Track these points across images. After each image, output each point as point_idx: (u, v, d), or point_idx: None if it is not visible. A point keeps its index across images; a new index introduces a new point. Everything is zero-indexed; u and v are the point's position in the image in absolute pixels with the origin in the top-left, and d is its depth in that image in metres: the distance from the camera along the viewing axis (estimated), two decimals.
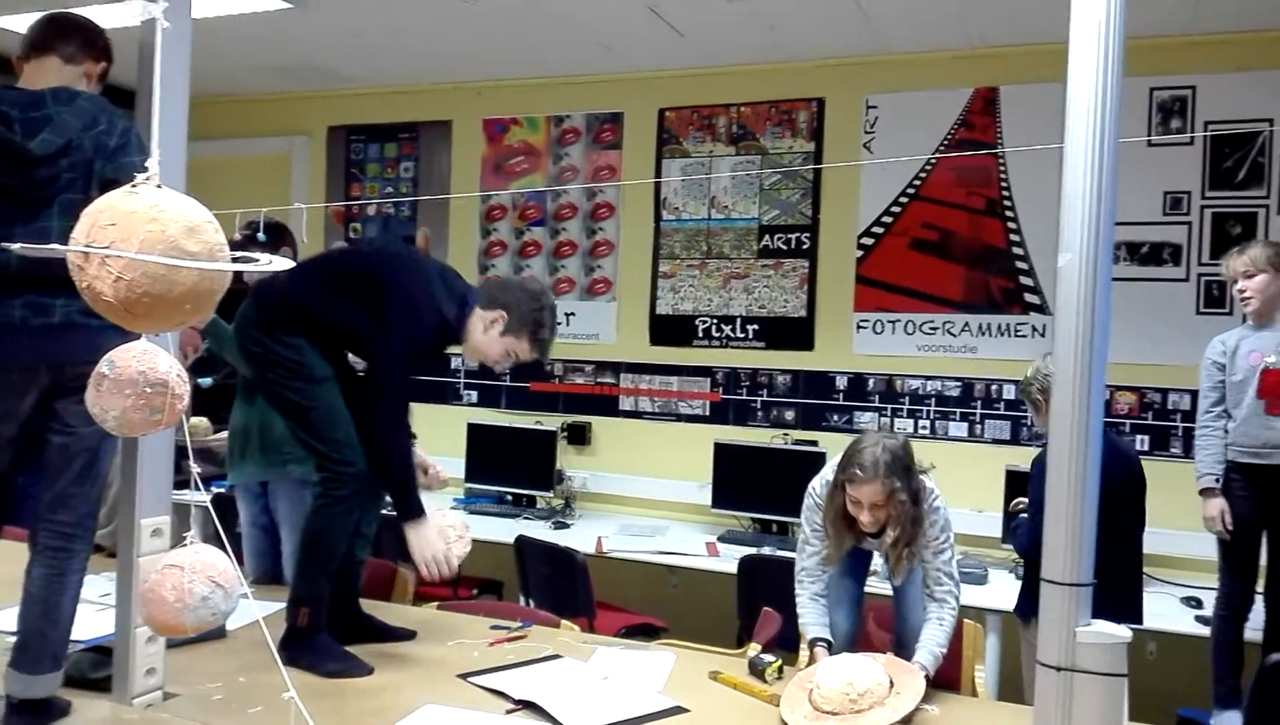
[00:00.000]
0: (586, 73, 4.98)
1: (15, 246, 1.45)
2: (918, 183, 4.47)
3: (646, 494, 4.88)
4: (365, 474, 2.54)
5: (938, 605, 2.58)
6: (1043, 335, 4.22)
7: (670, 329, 4.90)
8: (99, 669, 2.21)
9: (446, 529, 2.65)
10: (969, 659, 2.79)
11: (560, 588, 3.89)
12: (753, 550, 4.03)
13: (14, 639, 2.00)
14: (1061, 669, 1.48)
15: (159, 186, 1.07)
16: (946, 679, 2.69)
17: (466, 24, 4.31)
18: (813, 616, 2.69)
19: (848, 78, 4.57)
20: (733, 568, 3.86)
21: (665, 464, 4.86)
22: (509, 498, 4.90)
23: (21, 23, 4.21)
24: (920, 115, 4.45)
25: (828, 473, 2.74)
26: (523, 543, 4.05)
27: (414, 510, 2.54)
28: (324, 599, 2.54)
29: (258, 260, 1.30)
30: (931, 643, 2.52)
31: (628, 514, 4.82)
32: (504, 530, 4.38)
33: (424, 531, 2.53)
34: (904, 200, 4.49)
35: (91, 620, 2.53)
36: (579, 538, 4.22)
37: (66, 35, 2.05)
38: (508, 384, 5.16)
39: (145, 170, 2.12)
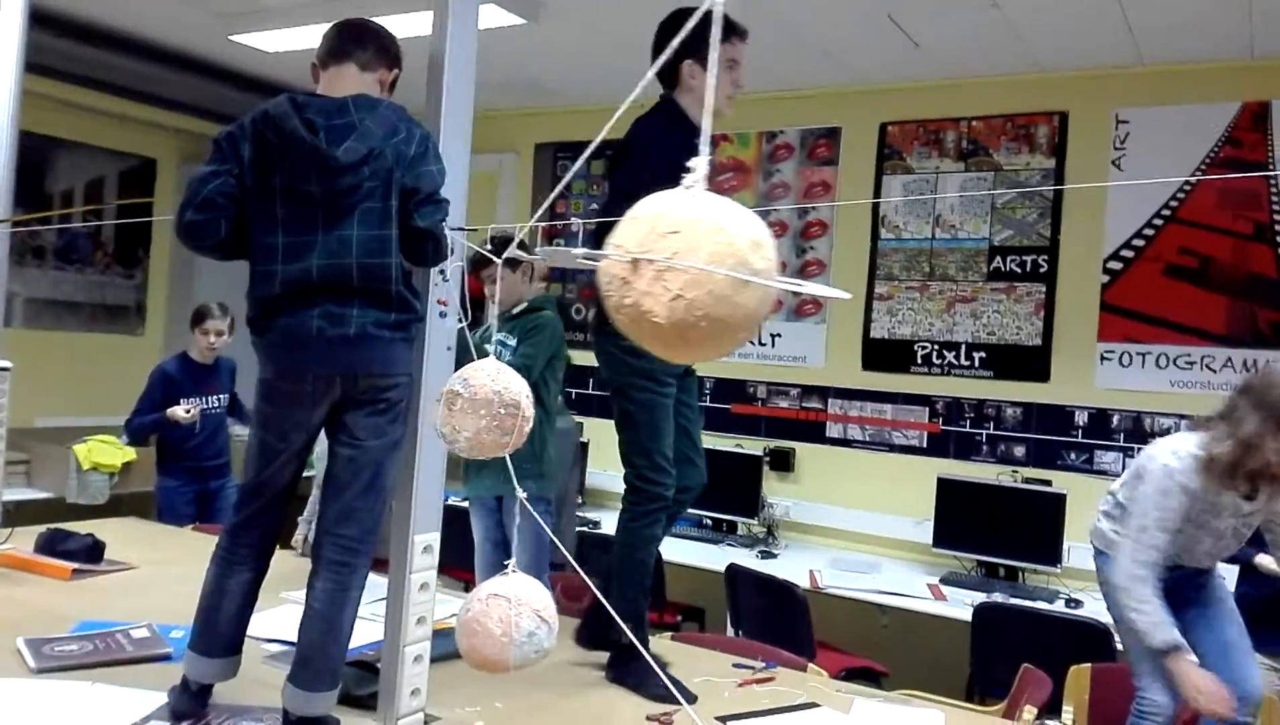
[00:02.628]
0: (802, 86, 4.81)
1: (577, 252, 1.29)
2: (1174, 204, 4.09)
3: (854, 526, 4.64)
4: (671, 497, 2.51)
5: None
6: None
7: (885, 354, 4.65)
8: (363, 685, 2.15)
9: None
10: None
11: (775, 622, 3.69)
12: (981, 596, 3.76)
13: (292, 651, 1.95)
14: None
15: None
16: None
17: None
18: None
19: (1096, 90, 4.23)
20: (961, 613, 3.60)
21: (876, 496, 4.61)
22: (708, 522, 4.74)
23: (279, 40, 4.35)
24: (1177, 131, 4.08)
25: (1188, 446, 2.62)
26: (735, 572, 3.88)
27: None
28: (643, 615, 2.49)
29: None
30: None
31: (834, 546, 4.59)
32: (706, 556, 4.24)
33: None
34: (1158, 222, 4.12)
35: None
36: (788, 569, 4.02)
37: (362, 42, 2.02)
38: (707, 405, 5.01)
39: (442, 179, 2.10)
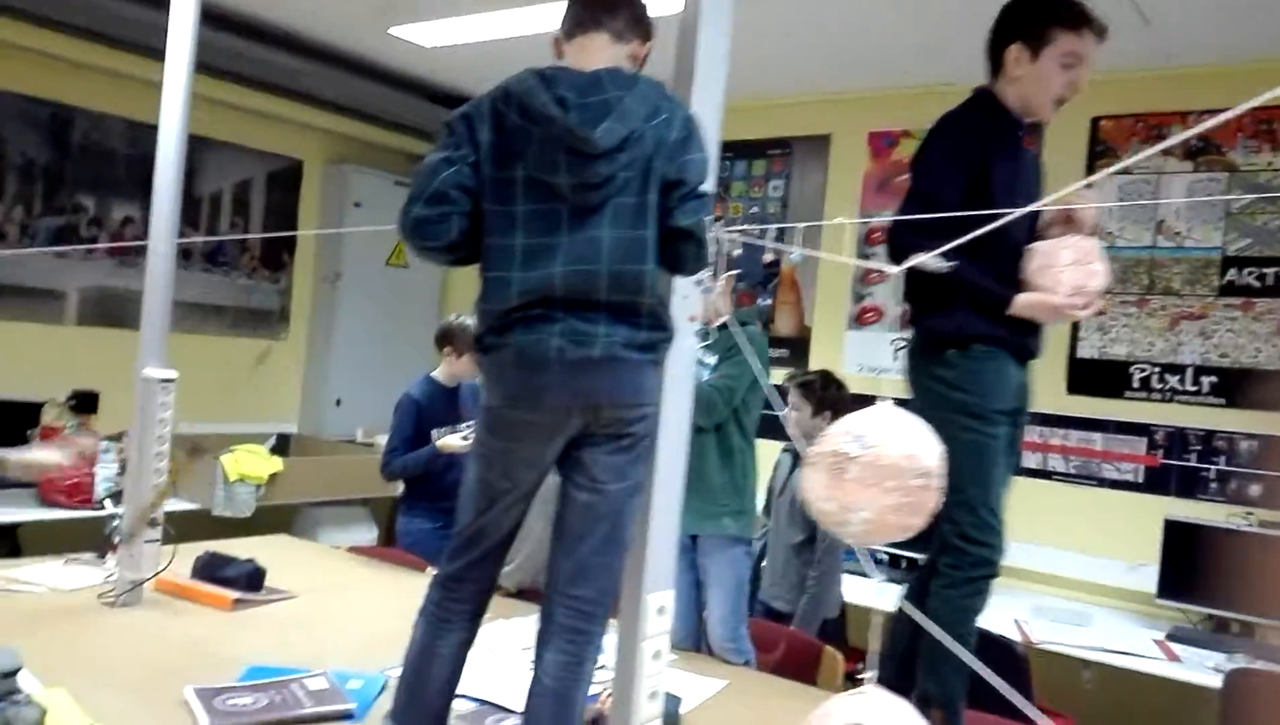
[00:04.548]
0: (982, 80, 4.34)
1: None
2: None
3: (1056, 569, 4.14)
4: (1000, 562, 2.15)
5: None
6: None
7: (1095, 376, 4.15)
8: None
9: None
10: None
11: (981, 679, 3.25)
12: (1217, 657, 3.27)
13: (486, 712, 1.64)
14: None
15: None
16: None
17: (881, 27, 3.82)
18: None
19: None
20: (1201, 678, 3.12)
21: (1081, 536, 4.11)
22: (883, 557, 4.31)
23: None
24: None
25: None
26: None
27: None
28: (959, 699, 2.14)
29: None
30: None
31: (1033, 590, 4.11)
32: (887, 597, 3.81)
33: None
34: None
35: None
36: (985, 616, 3.56)
37: (614, 9, 1.71)
38: None
39: (707, 171, 1.76)
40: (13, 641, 2.16)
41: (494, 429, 1.65)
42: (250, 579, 2.79)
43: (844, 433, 0.96)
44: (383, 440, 5.57)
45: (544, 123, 1.55)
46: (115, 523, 2.99)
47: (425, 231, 1.59)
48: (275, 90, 5.03)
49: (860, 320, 4.76)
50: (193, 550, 2.90)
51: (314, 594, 2.90)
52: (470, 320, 3.96)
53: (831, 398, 3.43)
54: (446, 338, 3.89)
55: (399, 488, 5.21)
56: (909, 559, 4.24)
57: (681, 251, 1.60)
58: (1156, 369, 4.02)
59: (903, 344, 4.62)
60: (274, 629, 2.58)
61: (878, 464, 0.90)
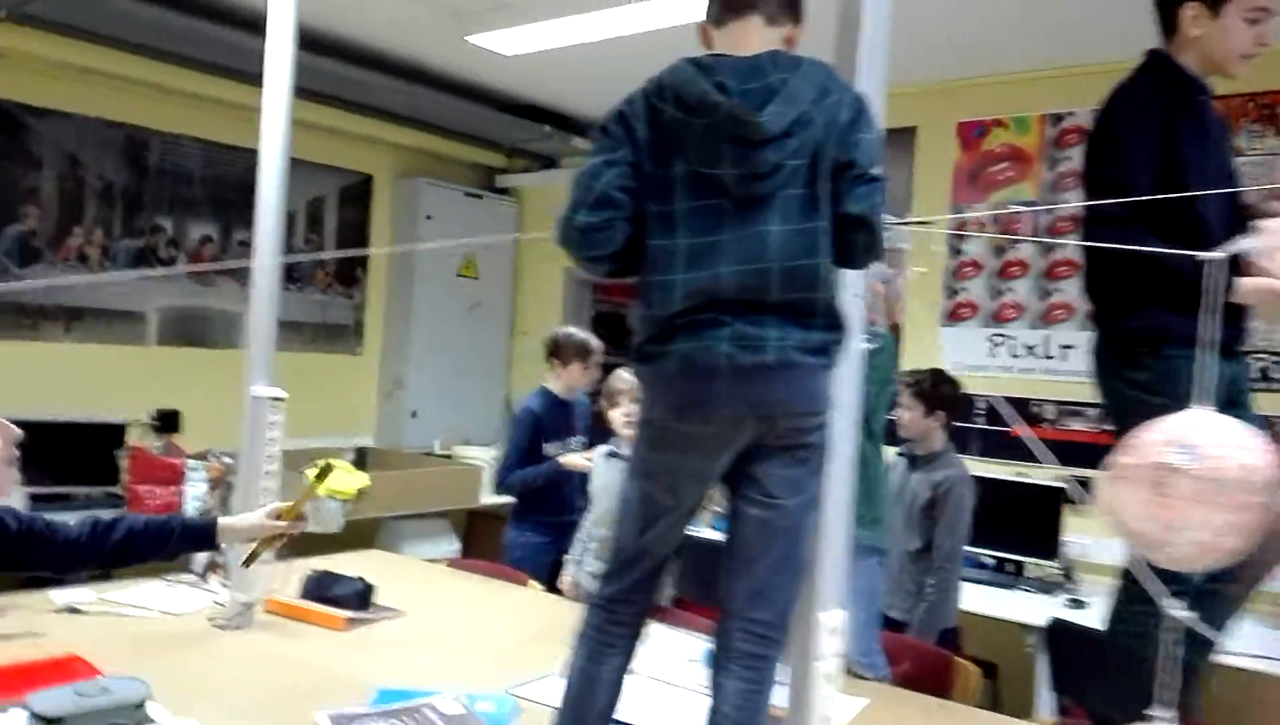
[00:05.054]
0: (1094, 61, 4.18)
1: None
2: None
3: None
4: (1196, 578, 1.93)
5: None
6: None
7: None
8: None
9: None
10: None
11: (1124, 694, 3.08)
12: None
13: None
14: None
15: None
16: None
17: (963, 13, 3.69)
18: None
19: None
20: None
21: None
22: (988, 562, 4.14)
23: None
24: None
25: None
26: (1060, 628, 3.29)
27: None
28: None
29: None
30: None
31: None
32: (998, 604, 3.66)
33: None
34: None
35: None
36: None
37: None
38: (980, 427, 4.42)
39: (879, 153, 1.64)
40: (132, 667, 2.10)
41: (657, 443, 1.54)
42: (360, 597, 2.72)
43: (1165, 442, 0.84)
44: (462, 451, 5.54)
45: (704, 111, 1.44)
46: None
47: (591, 240, 1.49)
48: (345, 104, 5.00)
49: (954, 316, 4.59)
50: (286, 569, 2.83)
51: (422, 611, 2.83)
52: (575, 331, 3.90)
53: (944, 396, 3.29)
54: (553, 349, 3.84)
55: (484, 498, 5.16)
56: (1015, 563, 4.07)
57: (852, 241, 1.48)
58: (1276, 358, 3.82)
59: (1000, 340, 4.46)
60: (390, 648, 2.50)
61: (1215, 478, 0.77)
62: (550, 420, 3.76)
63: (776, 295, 1.44)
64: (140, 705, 1.80)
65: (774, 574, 1.50)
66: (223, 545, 2.92)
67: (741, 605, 1.51)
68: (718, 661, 1.53)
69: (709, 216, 1.46)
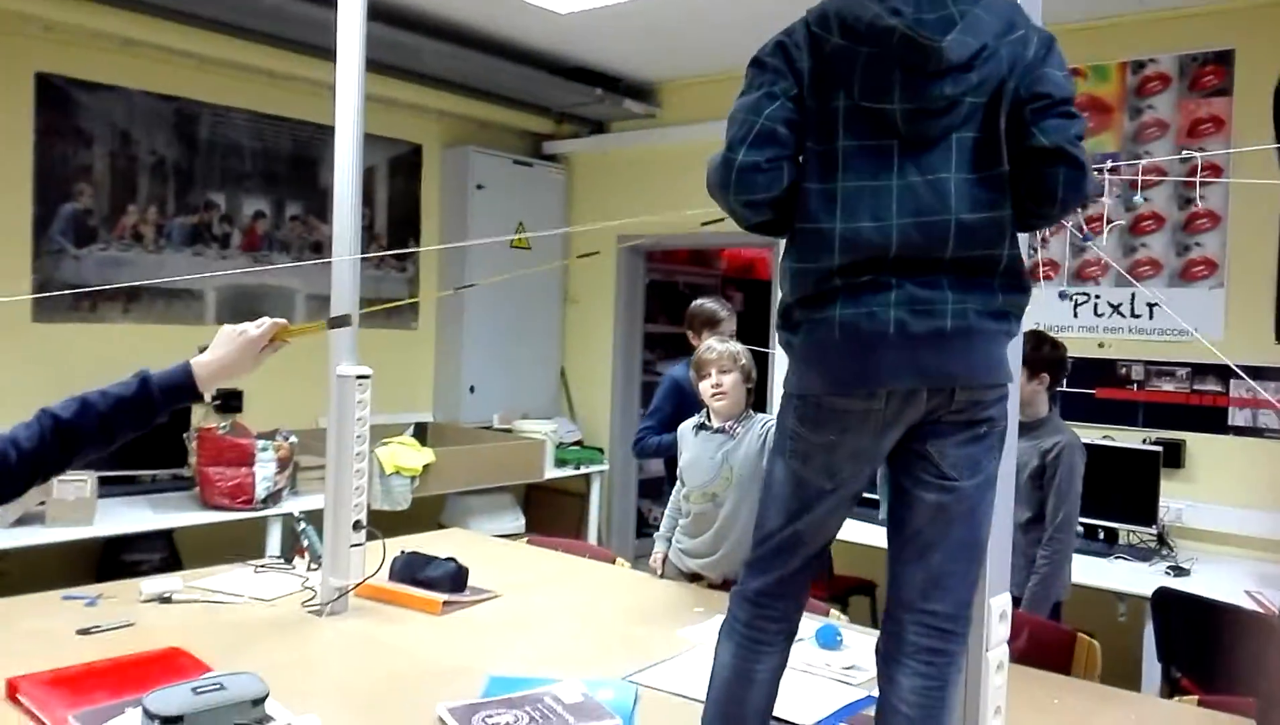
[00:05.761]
0: (1174, 6, 3.99)
1: None
2: None
3: (1272, 533, 3.80)
4: None
5: None
6: None
7: None
8: None
9: None
10: None
11: (1239, 665, 2.96)
12: None
13: None
14: None
15: None
16: None
17: None
18: None
19: None
20: None
21: None
22: (1079, 529, 4.00)
23: None
24: None
25: None
26: (1167, 597, 3.16)
27: None
28: None
29: None
30: None
31: (1249, 557, 3.78)
32: (1098, 573, 3.53)
33: None
34: None
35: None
36: (1213, 589, 3.26)
37: None
38: (1062, 389, 4.26)
39: (1072, 89, 1.48)
40: (234, 658, 2.04)
41: (813, 420, 1.40)
42: (455, 579, 2.63)
43: None
44: (521, 425, 5.45)
45: (875, 39, 1.30)
46: (303, 525, 2.87)
47: (753, 182, 1.35)
48: (393, 71, 4.87)
49: (1032, 276, 4.42)
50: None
51: (515, 592, 2.73)
52: (707, 301, 3.83)
53: (1047, 359, 3.13)
54: (688, 321, 3.86)
55: (548, 472, 5.07)
56: (1108, 529, 3.93)
57: (1045, 179, 1.31)
58: None
59: (1083, 299, 4.29)
60: (491, 632, 2.42)
61: None
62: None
63: (953, 252, 1.31)
64: (259, 702, 1.72)
65: (952, 561, 1.38)
66: (303, 525, 2.85)
67: (917, 596, 1.39)
68: (890, 655, 1.41)
69: (872, 158, 1.33)
